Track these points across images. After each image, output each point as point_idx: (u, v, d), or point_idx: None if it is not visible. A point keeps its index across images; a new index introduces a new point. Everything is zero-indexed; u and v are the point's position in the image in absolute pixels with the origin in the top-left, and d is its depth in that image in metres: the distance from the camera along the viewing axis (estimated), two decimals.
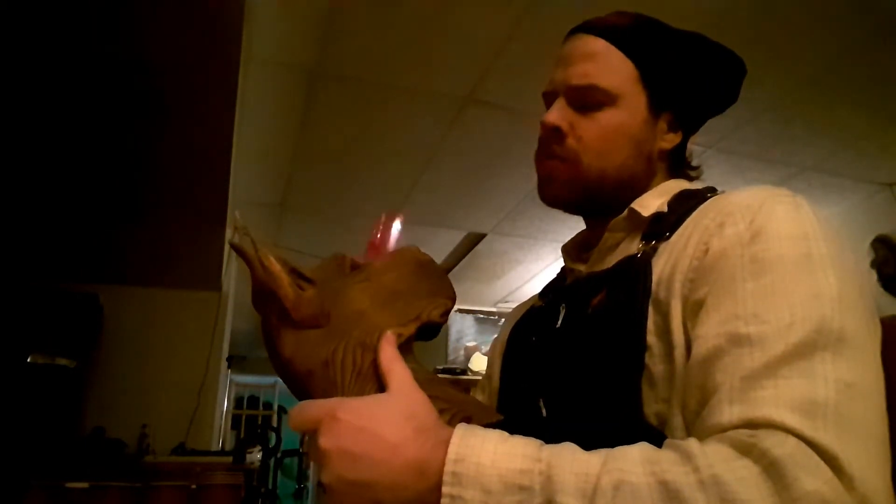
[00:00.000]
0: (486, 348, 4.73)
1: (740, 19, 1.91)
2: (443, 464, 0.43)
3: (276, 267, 0.55)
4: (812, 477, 0.39)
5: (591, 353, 0.60)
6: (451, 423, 0.51)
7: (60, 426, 2.76)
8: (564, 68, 0.72)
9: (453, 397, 0.57)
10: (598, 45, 0.71)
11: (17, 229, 2.56)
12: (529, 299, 0.86)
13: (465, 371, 4.53)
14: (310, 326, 0.55)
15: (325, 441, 0.46)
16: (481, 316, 5.13)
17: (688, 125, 0.76)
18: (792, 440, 0.41)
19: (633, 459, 0.42)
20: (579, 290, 0.69)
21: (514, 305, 0.91)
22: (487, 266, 4.20)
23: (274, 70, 2.10)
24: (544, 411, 0.62)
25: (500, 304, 5.04)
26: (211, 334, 3.34)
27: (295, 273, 0.57)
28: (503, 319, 0.89)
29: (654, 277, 0.59)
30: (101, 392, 3.11)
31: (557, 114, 0.70)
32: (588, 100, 0.69)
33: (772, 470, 0.40)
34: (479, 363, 4.58)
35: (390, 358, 0.52)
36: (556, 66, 0.74)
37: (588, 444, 0.46)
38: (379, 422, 0.46)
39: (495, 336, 0.89)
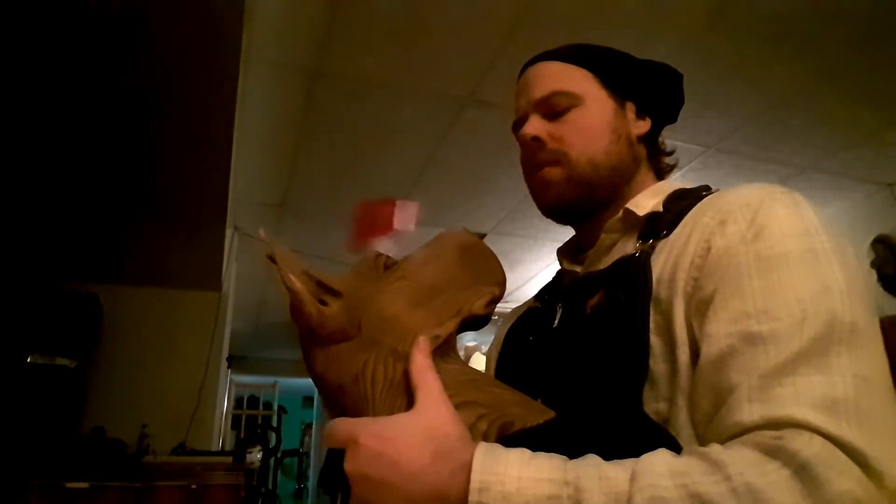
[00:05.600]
0: (486, 348, 4.73)
1: (740, 20, 1.90)
2: (465, 492, 0.43)
3: (297, 285, 0.52)
4: (843, 477, 0.39)
5: (592, 352, 0.60)
6: (490, 429, 0.49)
7: (60, 426, 2.76)
8: (526, 93, 0.77)
9: (496, 399, 0.53)
10: (550, 66, 0.77)
11: (18, 229, 2.55)
12: (526, 301, 0.86)
13: None
14: (338, 341, 0.52)
15: (348, 465, 0.46)
16: None
17: (651, 114, 0.77)
18: (818, 440, 0.41)
19: (661, 473, 0.42)
20: (576, 290, 0.69)
21: (513, 306, 0.91)
22: None
23: (274, 70, 2.10)
24: None
25: (500, 304, 5.05)
26: (211, 334, 3.34)
27: (321, 286, 0.54)
28: (502, 321, 0.89)
29: (654, 276, 0.59)
30: (101, 392, 3.11)
31: (532, 126, 0.74)
32: (556, 106, 0.73)
33: (802, 472, 0.39)
34: (478, 363, 4.58)
35: (420, 368, 0.50)
36: (517, 98, 0.79)
37: (597, 442, 0.46)
38: (397, 447, 0.45)
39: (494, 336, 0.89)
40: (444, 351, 0.54)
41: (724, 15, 1.88)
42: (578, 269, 0.74)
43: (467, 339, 4.94)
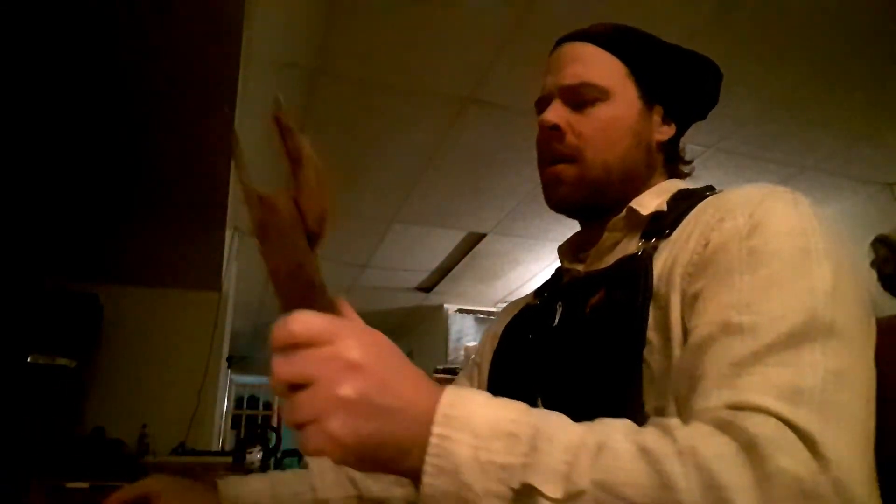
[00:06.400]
0: None
1: (740, 19, 1.90)
2: (436, 406, 0.42)
3: (316, 161, 0.50)
4: (788, 456, 0.40)
5: (592, 351, 0.61)
6: None
7: (60, 426, 2.76)
8: (555, 73, 0.74)
9: None
10: (585, 48, 0.74)
11: (17, 229, 2.55)
12: (524, 297, 0.86)
13: None
14: (314, 243, 0.51)
15: (354, 352, 0.40)
16: (481, 316, 5.13)
17: (678, 120, 0.77)
18: (773, 421, 0.42)
19: (616, 428, 0.43)
20: (577, 289, 0.69)
21: (511, 302, 0.91)
22: (487, 266, 4.20)
23: (274, 70, 2.10)
24: (542, 408, 0.63)
25: (500, 304, 5.04)
26: (211, 334, 3.34)
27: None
28: (498, 316, 0.89)
29: (655, 274, 0.59)
30: (101, 392, 3.11)
31: (554, 113, 0.72)
32: (582, 97, 0.71)
33: (749, 447, 0.40)
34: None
35: (357, 317, 0.50)
36: (546, 74, 0.76)
37: None
38: (403, 357, 0.44)
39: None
40: None
41: (724, 16, 1.88)
42: (579, 267, 0.74)
43: (467, 339, 4.94)
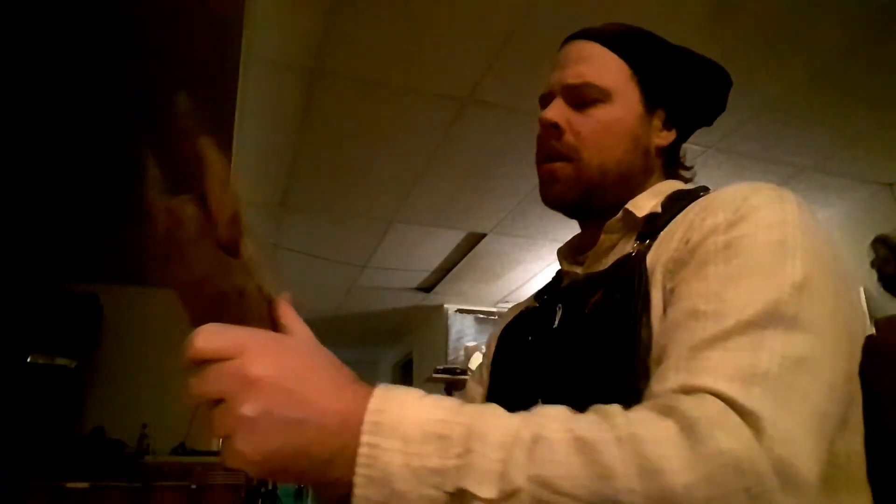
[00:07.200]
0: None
1: (740, 18, 1.91)
2: (363, 414, 0.41)
3: (220, 167, 0.48)
4: (728, 436, 0.40)
5: (589, 352, 0.61)
6: None
7: (60, 426, 2.76)
8: (560, 70, 0.74)
9: None
10: (591, 48, 0.74)
11: (18, 229, 2.56)
12: (524, 301, 0.86)
13: (464, 371, 4.52)
14: (232, 251, 0.48)
15: (256, 368, 0.40)
16: (481, 316, 5.13)
17: (680, 125, 0.77)
18: (719, 404, 0.42)
19: (553, 417, 0.43)
20: (576, 291, 0.69)
21: (513, 305, 0.91)
22: (487, 266, 4.20)
23: (274, 70, 2.10)
24: None
25: (500, 304, 5.04)
26: None
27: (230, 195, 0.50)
28: (500, 320, 0.89)
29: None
30: (101, 392, 3.11)
31: (555, 111, 0.72)
32: (584, 97, 0.71)
33: (689, 429, 0.40)
34: (478, 363, 4.57)
35: (294, 317, 0.50)
36: (551, 70, 0.76)
37: None
38: (320, 363, 0.43)
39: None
40: None
41: (724, 16, 1.88)
42: (578, 269, 0.75)
43: (467, 339, 4.94)
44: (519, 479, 0.39)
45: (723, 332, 0.47)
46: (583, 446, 0.40)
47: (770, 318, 0.47)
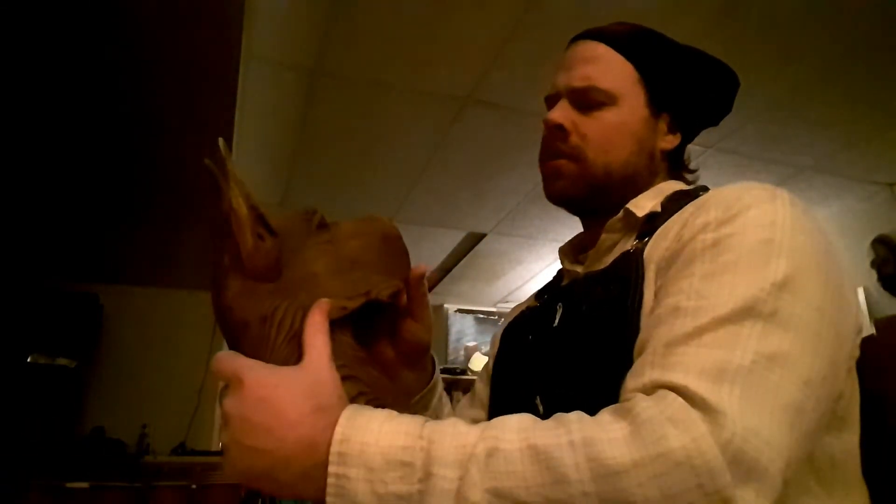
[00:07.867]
0: (486, 348, 4.72)
1: (741, 19, 1.91)
2: (330, 444, 0.44)
3: (243, 210, 0.52)
4: (682, 434, 0.40)
5: (589, 349, 0.61)
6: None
7: (60, 426, 2.76)
8: (566, 72, 0.74)
9: (376, 382, 0.56)
10: (598, 49, 0.74)
11: (18, 229, 2.56)
12: (525, 300, 0.86)
13: (465, 371, 4.52)
14: (258, 279, 0.52)
15: (228, 403, 0.47)
16: (481, 316, 5.12)
17: (685, 128, 0.77)
18: (679, 401, 0.42)
19: (509, 428, 0.44)
20: (576, 290, 0.69)
21: (514, 305, 0.91)
22: (487, 266, 4.20)
23: (274, 70, 2.10)
24: (541, 409, 0.63)
25: (500, 304, 5.04)
26: (211, 334, 3.34)
27: (260, 220, 0.53)
28: (503, 319, 0.89)
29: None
30: (101, 392, 3.11)
31: (560, 113, 0.72)
32: (589, 100, 0.72)
33: (642, 428, 0.41)
34: (478, 363, 4.57)
35: (315, 329, 0.51)
36: (558, 71, 0.76)
37: None
38: (280, 395, 0.46)
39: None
40: (344, 323, 0.55)
41: (724, 17, 1.88)
42: (579, 268, 0.75)
43: (467, 339, 4.94)
44: (475, 494, 0.41)
45: (698, 329, 0.47)
46: (537, 454, 0.42)
47: (746, 315, 0.47)
